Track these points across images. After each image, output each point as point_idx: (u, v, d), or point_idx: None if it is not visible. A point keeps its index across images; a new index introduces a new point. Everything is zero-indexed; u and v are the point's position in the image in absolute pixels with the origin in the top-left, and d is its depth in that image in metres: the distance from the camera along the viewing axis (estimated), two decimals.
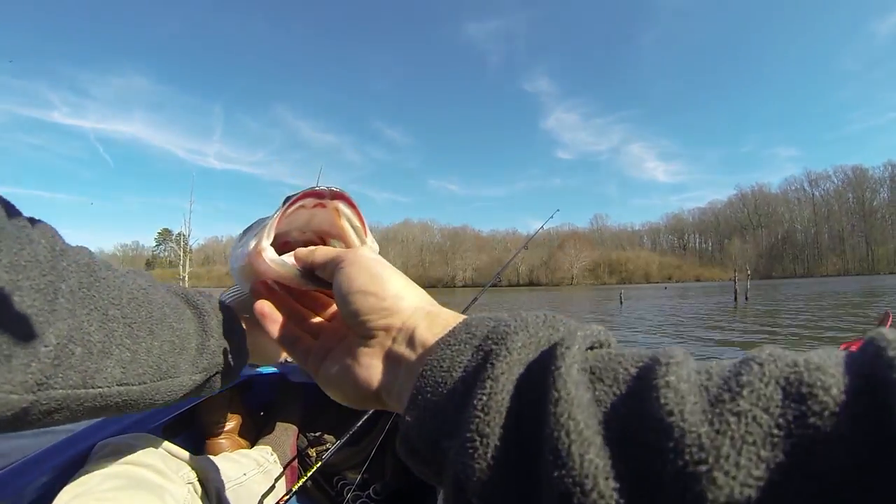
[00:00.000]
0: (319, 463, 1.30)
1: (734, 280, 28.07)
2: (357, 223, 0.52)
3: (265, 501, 1.21)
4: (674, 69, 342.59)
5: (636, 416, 0.23)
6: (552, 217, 2.51)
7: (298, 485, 1.23)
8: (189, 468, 0.98)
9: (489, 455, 0.26)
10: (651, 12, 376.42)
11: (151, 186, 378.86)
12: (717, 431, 0.20)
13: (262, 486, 1.26)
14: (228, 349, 0.58)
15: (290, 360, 1.52)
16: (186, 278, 55.46)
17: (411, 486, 1.58)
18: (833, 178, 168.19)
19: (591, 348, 0.29)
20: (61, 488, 0.81)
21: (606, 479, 0.22)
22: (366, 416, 1.15)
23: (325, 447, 1.69)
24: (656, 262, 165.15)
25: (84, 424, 1.03)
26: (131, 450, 0.91)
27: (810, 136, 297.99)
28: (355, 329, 0.41)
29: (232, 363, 0.59)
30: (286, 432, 1.65)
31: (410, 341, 0.38)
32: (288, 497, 1.13)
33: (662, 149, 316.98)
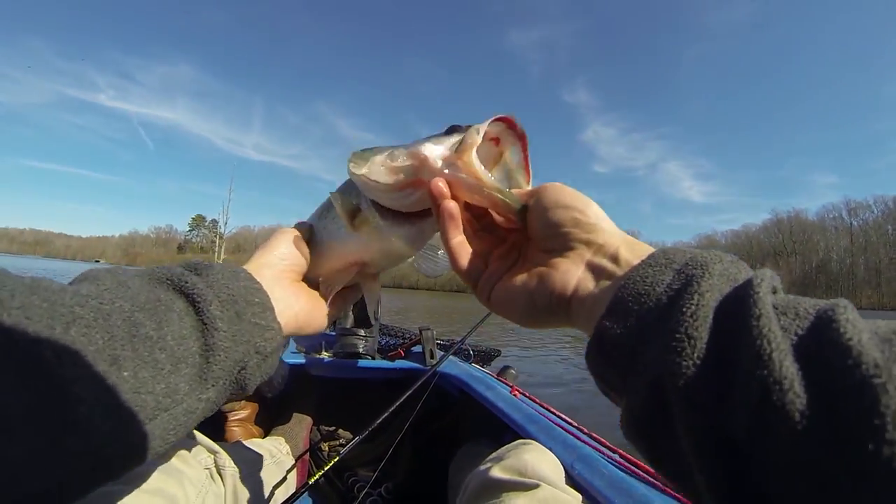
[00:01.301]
0: (336, 458, 1.26)
1: None
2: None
3: (276, 493, 1.26)
4: (715, 88, 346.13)
5: (820, 340, 0.27)
6: None
7: (315, 479, 1.19)
8: (206, 453, 1.00)
9: (695, 355, 0.30)
10: (696, 29, 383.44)
11: (188, 172, 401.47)
12: (888, 359, 0.24)
13: (274, 477, 1.30)
14: (251, 337, 0.46)
15: (316, 354, 1.75)
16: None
17: (423, 488, 1.61)
18: (873, 207, 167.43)
19: (773, 291, 0.32)
20: None
21: (801, 383, 0.26)
22: (385, 415, 1.12)
23: (338, 442, 1.75)
24: None
25: None
26: None
27: (851, 164, 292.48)
28: (554, 241, 0.44)
29: (260, 352, 0.48)
30: (300, 424, 1.68)
31: (614, 258, 0.41)
32: (303, 491, 1.12)
33: (699, 168, 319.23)
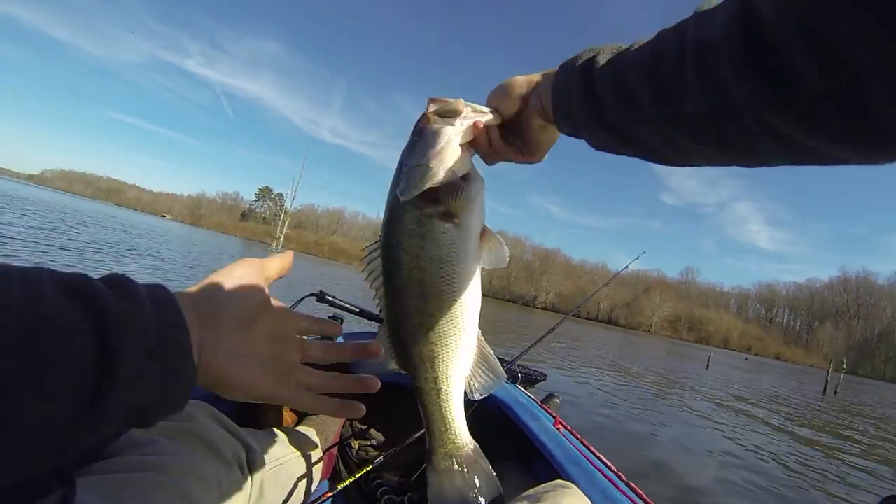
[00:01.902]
0: (367, 469, 1.30)
1: (828, 370, 28.77)
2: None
3: (299, 485, 1.28)
4: None
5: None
6: (638, 258, 2.68)
7: (343, 485, 1.23)
8: (240, 446, 1.01)
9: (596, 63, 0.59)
10: None
11: (261, 144, 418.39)
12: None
13: (301, 469, 1.32)
14: (157, 377, 0.42)
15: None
16: (282, 239, 66.70)
17: None
18: None
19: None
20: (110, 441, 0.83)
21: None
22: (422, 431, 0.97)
23: (368, 442, 1.75)
24: (738, 329, 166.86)
25: None
26: (190, 419, 0.93)
27: None
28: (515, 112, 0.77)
29: (166, 397, 0.44)
30: (333, 418, 1.68)
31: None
32: (330, 495, 1.16)
33: (770, 213, 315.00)
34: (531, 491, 0.96)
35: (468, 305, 0.75)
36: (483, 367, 0.78)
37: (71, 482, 0.56)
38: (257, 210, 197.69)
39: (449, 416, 0.78)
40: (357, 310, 1.94)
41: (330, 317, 1.72)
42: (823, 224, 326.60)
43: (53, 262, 8.23)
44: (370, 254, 0.77)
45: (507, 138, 0.76)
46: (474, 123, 0.73)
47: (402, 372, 0.78)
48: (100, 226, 24.22)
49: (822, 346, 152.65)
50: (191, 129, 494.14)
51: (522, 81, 0.73)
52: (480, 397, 0.79)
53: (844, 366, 34.01)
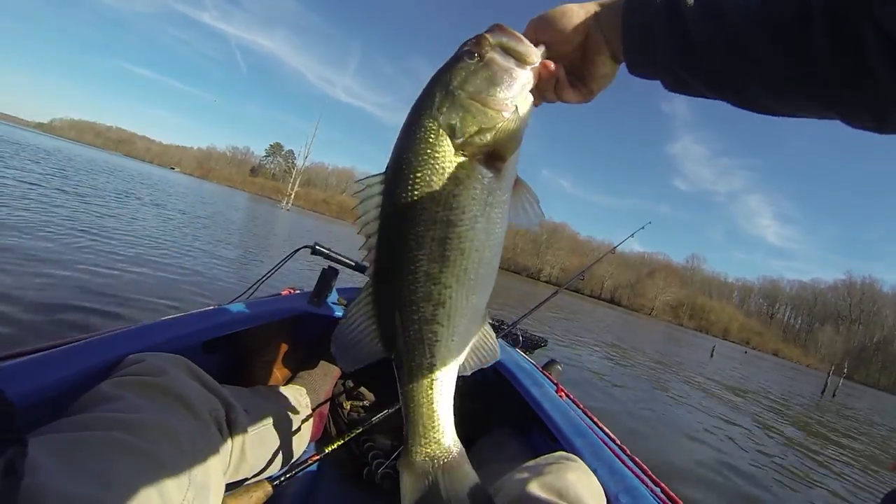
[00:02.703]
0: (358, 431, 1.27)
1: (829, 373, 29.64)
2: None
3: (286, 444, 1.25)
4: (816, 128, 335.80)
5: None
6: (643, 228, 2.60)
7: (332, 448, 1.19)
8: (219, 404, 0.96)
9: None
10: None
11: (274, 101, 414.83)
12: None
13: (288, 428, 1.27)
14: None
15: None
16: (293, 196, 68.05)
17: None
18: None
19: None
20: (82, 394, 0.79)
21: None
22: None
23: (361, 403, 1.70)
24: (739, 322, 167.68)
25: (115, 332, 1.05)
26: (163, 373, 0.87)
27: None
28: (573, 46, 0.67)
29: None
30: (326, 376, 1.65)
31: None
32: (318, 458, 1.14)
33: (781, 209, 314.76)
34: (532, 462, 0.96)
35: (490, 280, 0.64)
36: (481, 351, 0.68)
37: (21, 441, 0.56)
38: (267, 166, 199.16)
39: (437, 412, 0.65)
40: (353, 263, 1.90)
41: (324, 269, 1.69)
42: (833, 226, 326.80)
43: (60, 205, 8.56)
44: (367, 188, 0.61)
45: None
46: (543, 65, 0.63)
47: (385, 355, 0.66)
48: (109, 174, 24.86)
49: (820, 347, 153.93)
50: (203, 82, 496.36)
51: (577, 11, 0.63)
52: (468, 374, 0.69)
53: (845, 370, 35.68)
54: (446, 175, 0.58)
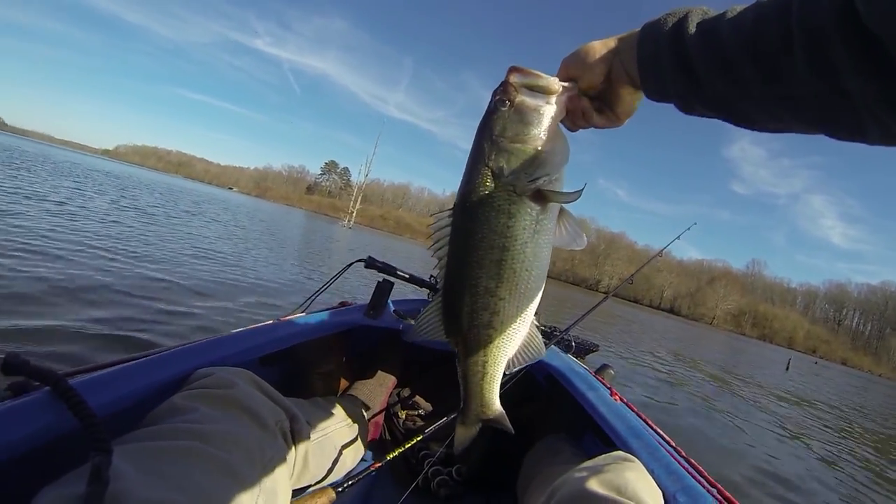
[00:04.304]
0: (417, 439, 1.33)
1: None
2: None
3: (344, 454, 1.29)
4: None
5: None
6: (688, 230, 2.61)
7: (391, 456, 1.24)
8: (284, 415, 1.02)
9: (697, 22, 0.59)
10: None
11: (327, 120, 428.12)
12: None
13: (346, 438, 1.33)
14: None
15: (412, 320, 1.71)
16: (354, 214, 70.81)
17: (494, 475, 1.61)
18: None
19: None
20: (155, 405, 0.85)
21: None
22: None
23: (416, 412, 1.75)
24: (804, 329, 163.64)
25: (183, 346, 1.13)
26: (232, 386, 0.93)
27: None
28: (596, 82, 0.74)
29: None
30: (381, 386, 1.71)
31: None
32: (374, 467, 1.18)
33: (846, 209, 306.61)
34: (590, 462, 0.99)
35: (537, 293, 0.76)
36: (528, 349, 0.80)
37: (107, 450, 0.62)
38: (323, 184, 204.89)
39: (488, 395, 0.82)
40: (407, 276, 1.95)
41: (379, 282, 1.77)
42: None
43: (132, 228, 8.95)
44: (438, 220, 0.76)
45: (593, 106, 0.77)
46: (569, 98, 0.74)
47: (449, 344, 0.79)
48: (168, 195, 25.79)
49: (893, 355, 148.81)
50: (258, 105, 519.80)
51: (599, 48, 0.71)
52: (515, 368, 0.81)
53: None
54: (501, 210, 0.70)
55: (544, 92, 0.72)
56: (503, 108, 0.72)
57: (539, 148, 0.71)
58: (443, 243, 0.76)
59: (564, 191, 0.73)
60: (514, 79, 0.72)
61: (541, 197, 0.71)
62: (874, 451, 7.81)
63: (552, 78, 0.73)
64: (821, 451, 6.58)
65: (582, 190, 0.72)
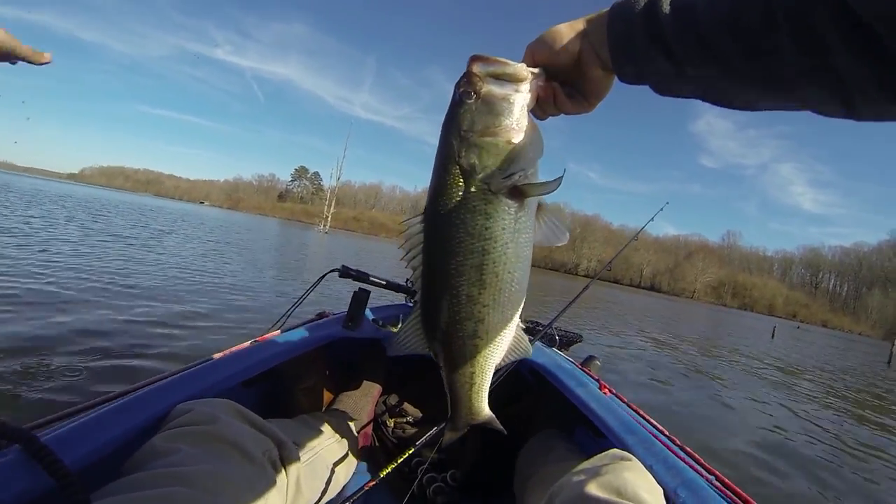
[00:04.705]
0: (410, 452, 1.31)
1: (893, 342, 28.72)
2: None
3: (336, 470, 1.27)
4: None
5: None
6: (661, 210, 2.61)
7: (385, 472, 1.21)
8: (271, 443, 0.99)
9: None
10: None
11: (295, 125, 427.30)
12: None
13: (336, 454, 1.31)
14: None
15: (392, 328, 1.73)
16: (329, 219, 70.55)
17: (490, 476, 1.59)
18: None
19: None
20: (135, 450, 0.81)
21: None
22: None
23: (404, 420, 1.72)
24: (783, 296, 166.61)
25: (159, 381, 1.11)
26: (213, 421, 0.90)
27: None
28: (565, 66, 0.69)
29: None
30: (367, 395, 1.68)
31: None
32: (369, 485, 1.15)
33: (815, 174, 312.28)
34: (587, 464, 0.98)
35: (522, 295, 0.72)
36: (514, 352, 0.77)
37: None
38: (294, 190, 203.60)
39: (476, 404, 0.79)
40: (384, 282, 1.93)
41: (356, 292, 1.74)
42: (871, 185, 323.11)
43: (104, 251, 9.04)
44: (410, 228, 0.72)
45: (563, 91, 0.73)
46: (539, 85, 0.69)
47: (432, 357, 0.76)
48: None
49: (870, 312, 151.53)
50: (223, 116, 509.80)
51: (566, 31, 0.68)
52: (502, 365, 0.78)
53: None
54: (477, 211, 0.66)
55: (512, 80, 0.67)
56: (469, 101, 0.67)
57: (512, 140, 0.66)
58: (416, 252, 0.72)
59: (541, 181, 0.69)
60: (477, 68, 0.67)
61: (518, 193, 0.67)
62: (871, 411, 8.04)
63: (519, 64, 0.68)
64: (821, 420, 6.56)
65: (561, 178, 0.67)
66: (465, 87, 0.67)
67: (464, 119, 0.67)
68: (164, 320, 4.89)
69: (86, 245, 9.57)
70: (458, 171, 0.67)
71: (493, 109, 0.66)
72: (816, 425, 6.13)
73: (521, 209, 0.68)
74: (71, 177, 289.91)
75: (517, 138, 0.66)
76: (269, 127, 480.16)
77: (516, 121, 0.66)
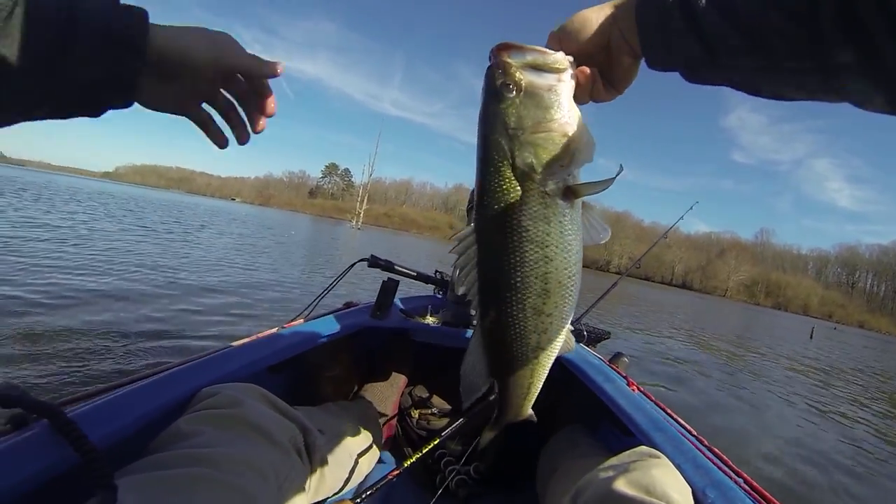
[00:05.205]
0: (435, 442, 1.28)
1: None
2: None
3: (360, 462, 1.27)
4: None
5: None
6: (691, 209, 2.50)
7: (409, 462, 1.20)
8: (297, 430, 0.99)
9: None
10: None
11: (324, 122, 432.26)
12: None
13: (360, 444, 1.31)
14: (97, 72, 0.52)
15: (421, 319, 1.71)
16: (362, 215, 70.94)
17: (513, 470, 1.59)
18: None
19: None
20: (160, 430, 0.82)
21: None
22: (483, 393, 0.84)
23: (430, 411, 1.70)
24: (818, 295, 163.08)
25: (186, 364, 1.11)
26: (239, 404, 0.90)
27: None
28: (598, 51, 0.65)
29: (118, 78, 0.54)
30: (392, 386, 1.69)
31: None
32: (394, 475, 1.13)
33: (852, 169, 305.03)
34: (615, 460, 0.97)
35: (576, 297, 0.68)
36: (562, 351, 0.74)
37: (112, 486, 0.61)
38: (325, 186, 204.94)
39: (526, 408, 0.79)
40: (413, 273, 1.93)
41: (384, 281, 1.73)
42: None
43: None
44: (462, 241, 0.67)
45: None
46: (579, 74, 0.64)
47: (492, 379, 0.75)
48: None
49: None
50: None
51: (593, 17, 0.64)
52: None
53: None
54: (538, 217, 0.62)
55: (552, 70, 0.62)
56: (510, 94, 0.61)
57: (569, 135, 0.61)
58: (471, 267, 0.67)
59: (594, 180, 0.64)
60: (511, 58, 0.61)
61: (570, 193, 0.63)
62: None
63: (559, 52, 0.63)
64: (865, 426, 6.38)
65: (615, 177, 0.62)
66: (503, 78, 0.61)
67: (509, 115, 0.62)
68: (202, 309, 5.17)
69: (122, 240, 9.89)
70: (512, 173, 0.62)
71: (542, 103, 0.61)
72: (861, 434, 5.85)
73: (574, 210, 0.64)
74: (105, 175, 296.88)
75: (572, 132, 0.62)
76: (300, 123, 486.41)
77: (568, 112, 0.62)
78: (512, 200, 0.62)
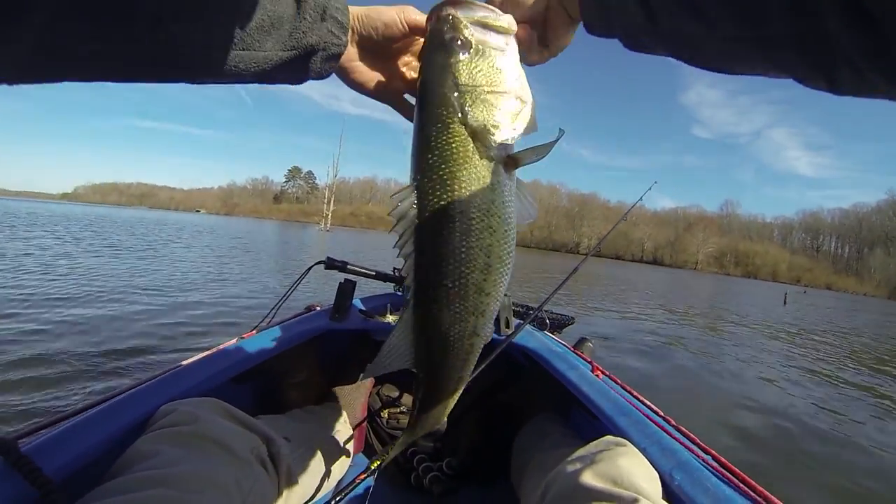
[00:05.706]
0: (395, 452, 1.10)
1: None
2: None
3: (331, 463, 1.25)
4: None
5: None
6: (650, 189, 2.55)
7: (378, 465, 1.15)
8: (259, 440, 0.96)
9: None
10: None
11: (285, 126, 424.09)
12: None
13: (331, 447, 1.29)
14: (322, 36, 0.60)
15: (381, 318, 1.67)
16: (330, 216, 70.18)
17: (485, 464, 1.59)
18: None
19: None
20: (120, 453, 0.80)
21: None
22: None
23: (399, 410, 1.71)
24: (786, 261, 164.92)
25: (146, 382, 1.09)
26: (195, 420, 0.88)
27: None
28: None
29: (325, 48, 0.61)
30: (359, 388, 1.66)
31: None
32: (364, 477, 1.09)
33: (809, 137, 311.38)
34: (582, 451, 0.96)
35: (508, 280, 0.62)
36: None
37: None
38: (289, 191, 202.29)
39: (446, 411, 0.73)
40: (371, 273, 1.89)
41: (341, 283, 1.70)
42: (867, 145, 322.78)
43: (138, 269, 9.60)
44: (400, 205, 0.58)
45: None
46: (522, 32, 0.62)
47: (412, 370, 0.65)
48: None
49: (873, 272, 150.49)
50: (211, 123, 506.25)
51: None
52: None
53: None
54: (483, 180, 0.56)
55: (500, 31, 0.59)
56: (459, 49, 0.58)
57: (523, 99, 0.59)
58: (409, 235, 0.59)
59: (536, 145, 0.59)
60: (460, 13, 0.58)
61: (511, 162, 0.59)
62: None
63: (507, 15, 0.60)
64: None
65: (557, 140, 0.57)
66: (452, 33, 0.57)
67: (460, 70, 0.57)
68: (175, 322, 5.18)
69: (87, 263, 9.70)
70: (463, 132, 0.56)
71: (495, 63, 0.58)
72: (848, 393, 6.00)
73: (511, 181, 0.59)
74: (64, 196, 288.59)
75: (526, 97, 0.59)
76: (260, 130, 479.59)
77: (521, 76, 0.59)
78: (461, 160, 0.56)
